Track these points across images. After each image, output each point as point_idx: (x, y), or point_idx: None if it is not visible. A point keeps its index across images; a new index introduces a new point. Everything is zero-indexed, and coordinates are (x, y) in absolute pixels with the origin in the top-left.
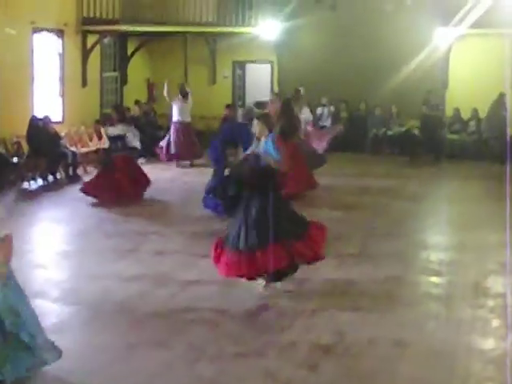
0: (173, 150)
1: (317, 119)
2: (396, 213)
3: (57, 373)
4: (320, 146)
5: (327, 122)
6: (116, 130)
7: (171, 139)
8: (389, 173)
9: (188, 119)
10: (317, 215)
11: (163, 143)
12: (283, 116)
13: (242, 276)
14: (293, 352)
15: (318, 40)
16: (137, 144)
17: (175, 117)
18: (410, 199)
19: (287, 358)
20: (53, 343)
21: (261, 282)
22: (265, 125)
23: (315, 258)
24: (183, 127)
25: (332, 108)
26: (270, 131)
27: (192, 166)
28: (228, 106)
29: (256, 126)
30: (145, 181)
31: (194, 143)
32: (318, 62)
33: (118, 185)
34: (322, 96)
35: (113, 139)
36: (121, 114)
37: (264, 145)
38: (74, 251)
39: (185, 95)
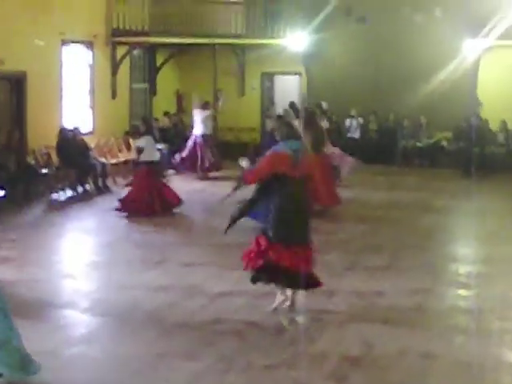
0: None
1: (345, 131)
2: (425, 225)
3: (85, 382)
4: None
5: (356, 134)
6: (140, 142)
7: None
8: (418, 185)
9: (208, 131)
10: (346, 227)
11: (178, 156)
12: (310, 128)
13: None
14: (321, 364)
15: (347, 52)
16: (154, 157)
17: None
18: (439, 212)
19: (316, 369)
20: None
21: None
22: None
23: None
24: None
25: (361, 120)
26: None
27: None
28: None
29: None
30: (176, 200)
31: (212, 156)
32: (346, 73)
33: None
34: (350, 108)
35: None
36: (148, 126)
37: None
38: (102, 262)
39: (204, 106)
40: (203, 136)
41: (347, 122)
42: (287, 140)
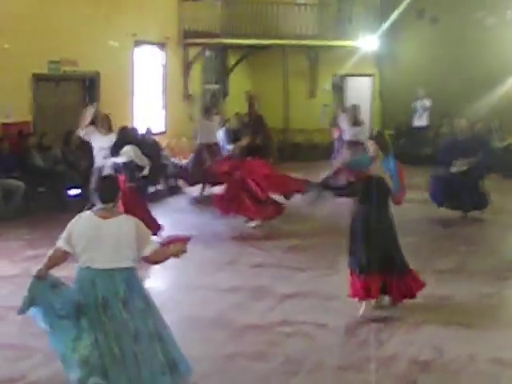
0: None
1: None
2: (496, 229)
3: None
4: None
5: (423, 121)
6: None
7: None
8: (489, 187)
9: (212, 140)
10: (417, 230)
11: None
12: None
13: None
14: (391, 367)
15: (419, 53)
16: None
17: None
18: (510, 214)
19: (386, 372)
20: None
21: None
22: (379, 145)
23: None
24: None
25: (427, 102)
26: (384, 152)
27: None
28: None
29: (371, 146)
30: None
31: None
32: (418, 75)
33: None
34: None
35: None
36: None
37: (386, 165)
38: (173, 262)
39: (207, 112)
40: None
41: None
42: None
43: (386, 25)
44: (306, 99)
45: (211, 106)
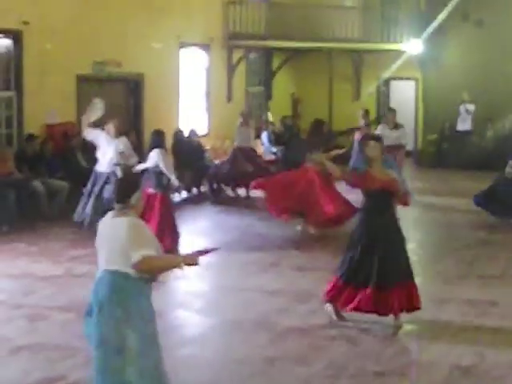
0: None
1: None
2: None
3: (194, 382)
4: None
5: (466, 125)
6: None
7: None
8: None
9: (248, 144)
10: (460, 235)
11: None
12: None
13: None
14: (432, 373)
15: (464, 57)
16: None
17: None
18: None
19: (427, 378)
20: None
21: None
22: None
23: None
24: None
25: (471, 106)
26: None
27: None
28: None
29: (374, 148)
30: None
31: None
32: (462, 79)
33: None
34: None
35: None
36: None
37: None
38: (216, 263)
39: (245, 118)
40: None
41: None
42: None
43: (430, 28)
44: (350, 102)
45: (248, 113)
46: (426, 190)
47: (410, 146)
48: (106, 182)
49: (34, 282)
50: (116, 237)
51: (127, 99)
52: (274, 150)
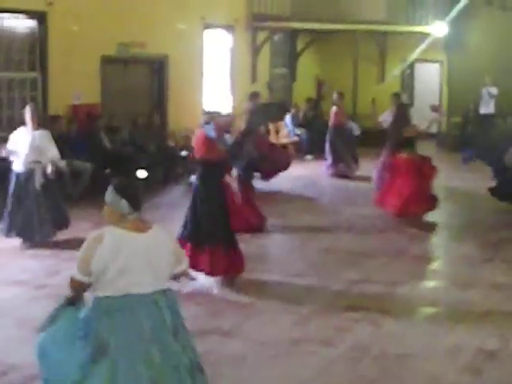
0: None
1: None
2: None
3: (218, 363)
4: None
5: (490, 109)
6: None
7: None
8: None
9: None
10: (484, 219)
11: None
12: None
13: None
14: (456, 356)
15: (488, 40)
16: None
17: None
18: None
19: (451, 361)
20: None
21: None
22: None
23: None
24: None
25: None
26: None
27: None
28: None
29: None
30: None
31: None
32: (486, 62)
33: None
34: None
35: None
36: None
37: None
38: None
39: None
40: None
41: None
42: None
43: (455, 11)
44: (374, 85)
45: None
46: (449, 172)
47: (433, 129)
48: (26, 185)
49: (58, 263)
50: (165, 249)
51: (151, 80)
52: (298, 131)
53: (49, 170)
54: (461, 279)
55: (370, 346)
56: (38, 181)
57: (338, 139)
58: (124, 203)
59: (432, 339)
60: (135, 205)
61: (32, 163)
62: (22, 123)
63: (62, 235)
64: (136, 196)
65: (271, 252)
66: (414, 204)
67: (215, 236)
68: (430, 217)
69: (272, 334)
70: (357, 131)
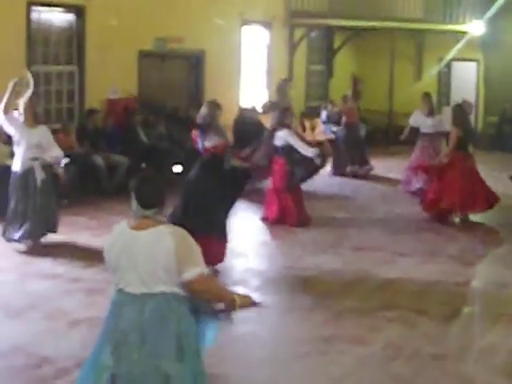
0: None
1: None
2: None
3: (250, 360)
4: None
5: None
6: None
7: None
8: None
9: None
10: None
11: None
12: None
13: None
14: (491, 357)
15: None
16: None
17: None
18: None
19: (485, 363)
20: None
21: None
22: None
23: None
24: None
25: None
26: None
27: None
28: None
29: None
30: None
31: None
32: None
33: None
34: None
35: None
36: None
37: None
38: (274, 241)
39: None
40: None
41: None
42: None
43: (492, 10)
44: (411, 83)
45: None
46: (485, 173)
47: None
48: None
49: (93, 256)
50: (159, 251)
51: (188, 75)
52: (334, 128)
53: (60, 171)
54: (497, 280)
55: (403, 346)
56: (39, 177)
57: (348, 139)
58: (134, 200)
59: (467, 339)
60: (142, 203)
61: (30, 160)
62: (59, 116)
63: (96, 229)
64: (144, 194)
65: (307, 249)
66: (473, 202)
67: (213, 226)
68: (471, 217)
69: (304, 331)
70: (363, 131)
